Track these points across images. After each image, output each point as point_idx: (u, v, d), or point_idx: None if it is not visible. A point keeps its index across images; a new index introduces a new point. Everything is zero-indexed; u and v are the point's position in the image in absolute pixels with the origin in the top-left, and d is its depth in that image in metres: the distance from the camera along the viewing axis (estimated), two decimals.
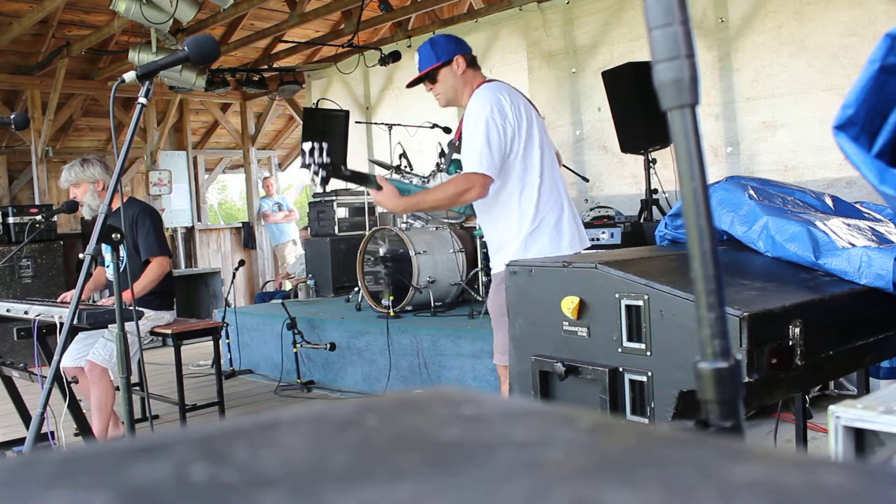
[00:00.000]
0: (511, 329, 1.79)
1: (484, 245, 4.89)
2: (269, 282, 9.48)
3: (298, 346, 5.04)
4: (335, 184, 2.61)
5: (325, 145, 2.52)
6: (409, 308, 5.04)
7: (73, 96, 8.63)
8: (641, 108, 4.78)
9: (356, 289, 5.57)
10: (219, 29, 7.83)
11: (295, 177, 17.78)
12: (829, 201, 2.20)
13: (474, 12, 7.29)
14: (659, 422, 1.48)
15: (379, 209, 7.06)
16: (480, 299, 4.96)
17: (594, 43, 6.05)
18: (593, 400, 1.57)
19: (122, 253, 2.82)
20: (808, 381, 1.99)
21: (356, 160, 7.57)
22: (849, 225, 1.93)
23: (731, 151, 5.40)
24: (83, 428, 3.39)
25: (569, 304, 1.62)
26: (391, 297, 4.92)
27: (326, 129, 7.04)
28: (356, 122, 7.31)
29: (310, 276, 6.88)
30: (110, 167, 3.81)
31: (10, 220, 6.61)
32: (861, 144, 1.34)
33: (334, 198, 7.08)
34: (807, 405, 2.66)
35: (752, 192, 1.99)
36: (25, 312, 3.27)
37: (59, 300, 3.76)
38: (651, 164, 5.05)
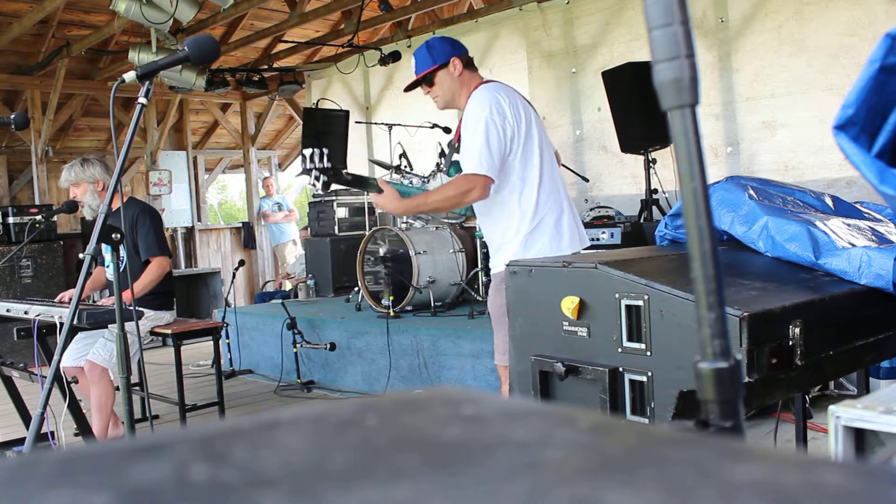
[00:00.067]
0: (511, 329, 1.79)
1: (484, 245, 4.89)
2: (269, 282, 9.48)
3: (298, 346, 5.04)
4: (335, 184, 2.61)
5: (325, 150, 2.51)
6: (409, 308, 5.04)
7: (73, 96, 8.63)
8: (641, 108, 4.78)
9: (356, 289, 5.57)
10: (219, 29, 7.83)
11: (295, 177, 17.79)
12: (829, 201, 2.19)
13: (474, 12, 7.29)
14: (659, 422, 1.48)
15: (379, 209, 7.06)
16: (480, 299, 4.95)
17: (594, 43, 6.05)
18: (593, 400, 1.57)
19: (122, 253, 2.81)
20: (808, 381, 1.99)
21: (356, 160, 7.57)
22: (849, 225, 1.93)
23: (731, 151, 5.40)
24: (83, 428, 3.39)
25: (569, 304, 1.62)
26: (391, 297, 4.92)
27: (326, 129, 7.04)
28: (356, 122, 7.31)
29: (310, 276, 6.88)
30: (110, 167, 3.81)
31: (10, 220, 6.61)
32: (861, 144, 1.34)
33: (334, 198, 7.08)
34: (807, 405, 2.65)
35: (752, 192, 1.99)
36: (25, 312, 3.27)
37: (56, 300, 3.76)
38: (651, 164, 5.04)
